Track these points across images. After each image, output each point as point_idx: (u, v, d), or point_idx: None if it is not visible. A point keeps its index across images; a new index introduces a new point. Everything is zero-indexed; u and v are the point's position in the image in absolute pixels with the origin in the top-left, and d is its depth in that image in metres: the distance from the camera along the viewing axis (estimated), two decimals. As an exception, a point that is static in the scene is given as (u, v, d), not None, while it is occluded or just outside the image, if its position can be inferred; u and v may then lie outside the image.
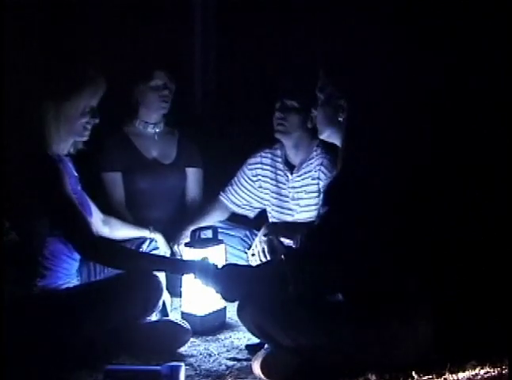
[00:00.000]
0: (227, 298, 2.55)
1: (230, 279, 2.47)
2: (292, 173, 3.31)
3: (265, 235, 3.10)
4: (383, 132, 2.53)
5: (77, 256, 2.69)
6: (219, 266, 2.57)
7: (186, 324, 2.72)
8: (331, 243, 2.40)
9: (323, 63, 2.60)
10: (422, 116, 3.44)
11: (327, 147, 3.22)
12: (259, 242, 3.09)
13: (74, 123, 2.62)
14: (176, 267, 2.69)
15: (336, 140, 2.57)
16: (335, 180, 2.53)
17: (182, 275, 2.75)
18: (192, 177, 3.63)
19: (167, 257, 3.04)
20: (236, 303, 2.53)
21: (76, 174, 2.74)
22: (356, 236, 2.39)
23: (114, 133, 3.52)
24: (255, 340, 2.63)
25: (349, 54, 2.69)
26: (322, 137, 2.63)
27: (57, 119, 2.57)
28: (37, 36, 3.72)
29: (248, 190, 3.45)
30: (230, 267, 2.57)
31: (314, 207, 3.20)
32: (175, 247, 3.27)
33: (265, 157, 3.41)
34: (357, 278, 2.42)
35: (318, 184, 3.22)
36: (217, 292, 2.52)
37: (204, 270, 2.54)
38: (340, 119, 2.51)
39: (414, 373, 2.34)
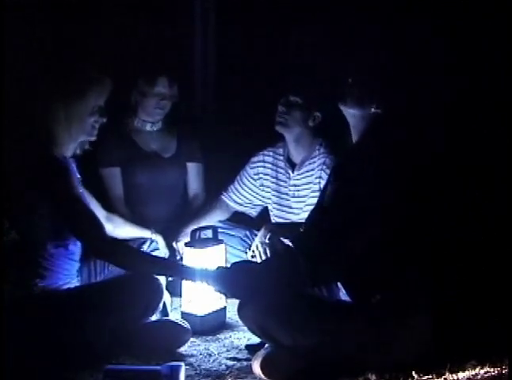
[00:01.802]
0: (242, 298, 2.54)
1: (242, 279, 2.46)
2: (293, 171, 3.32)
3: (266, 237, 3.08)
4: (403, 132, 2.54)
5: (77, 257, 2.70)
6: (227, 267, 2.58)
7: (186, 324, 2.72)
8: (338, 221, 2.40)
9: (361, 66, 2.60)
10: (428, 117, 3.44)
11: (329, 147, 3.23)
12: (260, 243, 3.08)
13: (84, 122, 2.64)
14: (187, 274, 2.66)
15: (353, 120, 2.55)
16: (346, 159, 2.53)
17: (191, 280, 2.73)
18: (193, 172, 3.63)
19: (177, 263, 3.02)
20: (237, 302, 2.54)
21: (79, 176, 2.74)
22: (361, 218, 2.38)
23: (112, 128, 3.51)
24: (255, 340, 2.63)
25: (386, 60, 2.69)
26: (343, 109, 2.56)
27: (67, 120, 2.59)
28: (41, 38, 3.73)
29: (250, 189, 3.45)
30: (238, 266, 2.55)
31: (315, 207, 3.21)
32: (174, 244, 3.27)
33: (267, 155, 3.43)
34: (360, 264, 2.41)
35: (319, 183, 3.22)
36: (233, 298, 2.53)
37: (214, 277, 2.52)
38: (372, 109, 2.50)
39: (414, 373, 2.34)
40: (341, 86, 2.57)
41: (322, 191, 2.56)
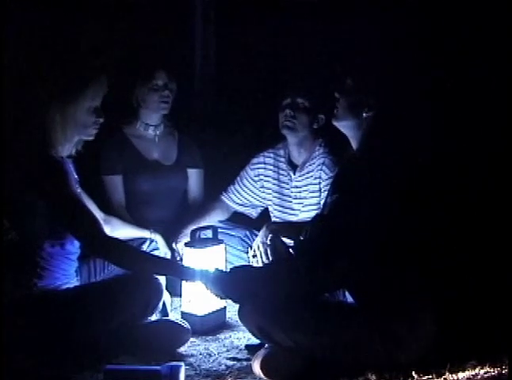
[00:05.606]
0: (240, 302, 2.54)
1: (241, 284, 2.46)
2: (295, 173, 3.31)
3: (267, 237, 3.08)
4: (401, 134, 2.54)
5: (74, 257, 2.70)
6: (223, 268, 2.57)
7: (186, 324, 2.72)
8: (339, 233, 2.39)
9: (356, 62, 2.60)
10: (430, 116, 3.44)
11: (329, 147, 3.23)
12: (261, 243, 3.07)
13: (80, 123, 2.63)
14: (186, 275, 2.65)
15: (350, 132, 2.55)
16: (345, 169, 2.53)
17: (189, 281, 2.73)
18: (194, 178, 3.63)
19: (176, 263, 3.03)
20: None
21: (76, 176, 2.74)
22: (362, 228, 2.38)
23: (114, 135, 3.52)
24: (255, 340, 2.63)
25: (380, 56, 2.68)
26: (337, 124, 2.57)
27: (64, 121, 2.59)
28: (38, 37, 3.72)
29: (250, 190, 3.44)
30: (238, 271, 2.54)
31: (315, 207, 3.20)
32: (174, 245, 3.27)
33: (267, 156, 3.41)
34: (361, 271, 2.41)
35: (319, 183, 3.22)
36: (231, 300, 2.54)
37: (213, 280, 2.51)
38: (364, 114, 2.50)
39: (414, 373, 2.34)
40: (329, 102, 2.58)
41: (324, 202, 2.56)
